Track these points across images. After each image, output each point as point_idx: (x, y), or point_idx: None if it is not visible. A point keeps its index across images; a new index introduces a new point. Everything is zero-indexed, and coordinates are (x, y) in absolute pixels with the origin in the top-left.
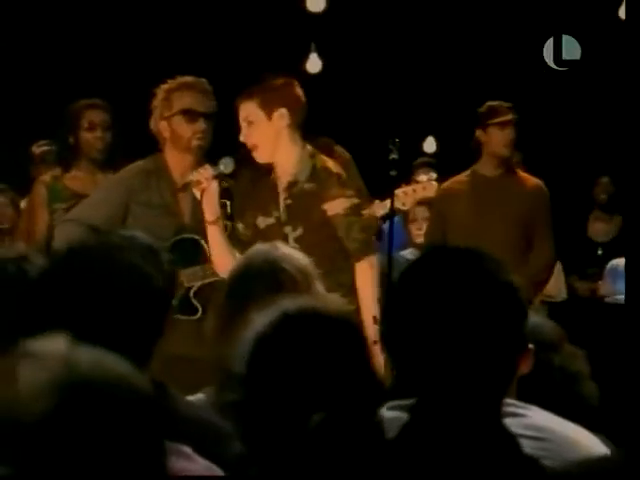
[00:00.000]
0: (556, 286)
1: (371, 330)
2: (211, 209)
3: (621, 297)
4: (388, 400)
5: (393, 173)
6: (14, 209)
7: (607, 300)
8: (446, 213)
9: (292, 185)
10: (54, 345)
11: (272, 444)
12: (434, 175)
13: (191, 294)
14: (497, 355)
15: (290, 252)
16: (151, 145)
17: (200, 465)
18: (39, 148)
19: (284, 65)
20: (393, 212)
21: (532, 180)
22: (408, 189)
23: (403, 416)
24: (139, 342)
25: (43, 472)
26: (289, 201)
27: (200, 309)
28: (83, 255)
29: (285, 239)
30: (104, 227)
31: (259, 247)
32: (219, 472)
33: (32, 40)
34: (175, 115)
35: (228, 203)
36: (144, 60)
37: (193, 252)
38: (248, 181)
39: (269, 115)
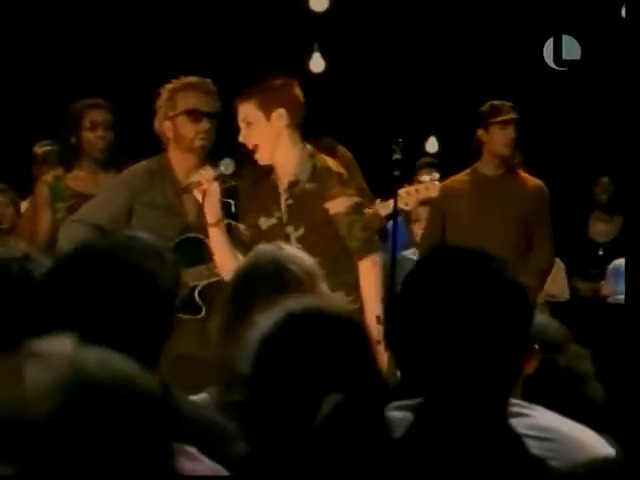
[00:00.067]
0: (559, 286)
1: (374, 330)
2: (212, 211)
3: (623, 297)
4: (393, 400)
5: (396, 173)
6: (14, 209)
7: (609, 300)
8: (446, 212)
9: (293, 185)
10: (61, 345)
11: (277, 444)
12: (437, 175)
13: (195, 293)
14: (503, 355)
15: (295, 252)
16: (153, 145)
17: (205, 465)
18: (41, 148)
19: (287, 65)
20: (396, 212)
21: (533, 180)
22: (411, 189)
23: (409, 416)
24: (147, 342)
25: (50, 472)
26: (290, 201)
27: (204, 308)
28: (89, 255)
29: (287, 239)
30: (108, 227)
31: (264, 247)
32: (224, 473)
33: (34, 40)
34: (179, 115)
35: (232, 203)
36: (146, 59)
37: (197, 251)
38: (249, 182)
39: (268, 116)
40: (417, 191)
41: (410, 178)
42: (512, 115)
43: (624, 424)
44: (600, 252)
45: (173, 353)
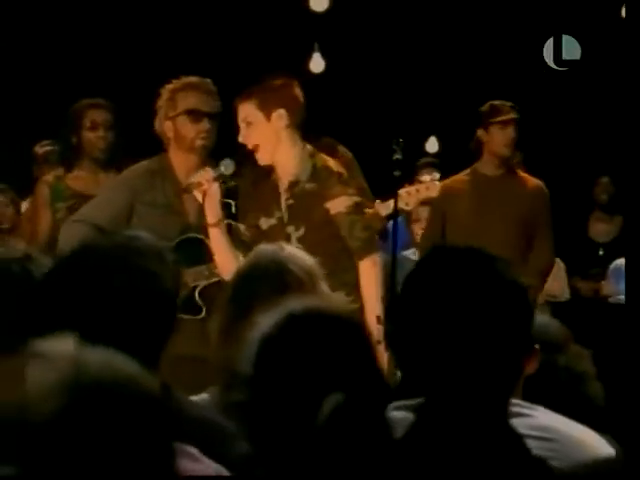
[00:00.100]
0: (559, 286)
1: (375, 330)
2: (212, 211)
3: (624, 297)
4: (393, 400)
5: (397, 173)
6: (14, 209)
7: (610, 300)
8: (446, 212)
9: (293, 185)
10: (63, 346)
11: (279, 444)
12: (437, 175)
13: (196, 293)
14: (504, 355)
15: (296, 253)
16: (154, 145)
17: (206, 466)
18: (42, 148)
19: (287, 65)
20: (396, 212)
21: (533, 181)
22: (411, 189)
23: (409, 416)
24: (148, 343)
25: (52, 473)
26: (291, 201)
27: (204, 309)
28: (90, 255)
29: (288, 239)
30: (109, 227)
31: (264, 248)
32: (225, 473)
33: (35, 40)
34: (180, 115)
35: (233, 203)
36: (147, 60)
37: (198, 251)
38: (249, 182)
39: (268, 116)
40: (417, 191)
41: (410, 178)
42: (512, 115)
43: (624, 424)
44: (600, 252)
45: (173, 353)
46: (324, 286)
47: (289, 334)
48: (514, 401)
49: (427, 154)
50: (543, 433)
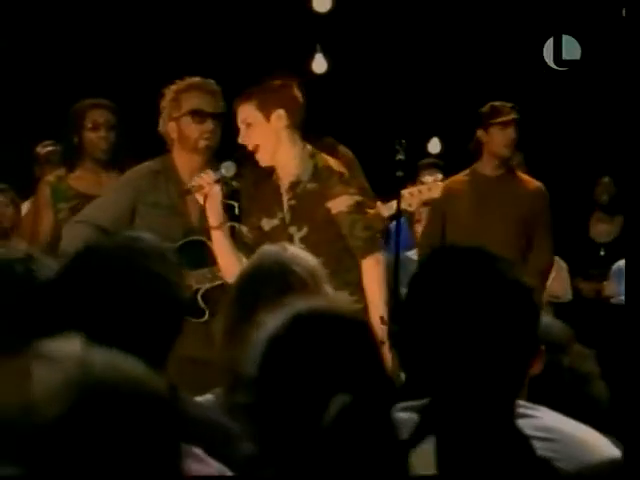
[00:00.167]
0: (562, 287)
1: (378, 330)
2: (214, 214)
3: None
4: (398, 401)
5: (400, 174)
6: (14, 209)
7: (613, 301)
8: (446, 212)
9: (295, 185)
10: (69, 346)
11: (285, 445)
12: (439, 176)
13: (199, 297)
14: (511, 356)
15: (299, 253)
16: (156, 145)
17: (212, 467)
18: (44, 148)
19: (290, 65)
20: (400, 213)
21: (532, 182)
22: (414, 190)
23: (414, 417)
24: (154, 343)
25: (57, 473)
26: (293, 202)
27: (207, 312)
28: (99, 257)
29: (290, 240)
30: (112, 228)
31: (268, 249)
32: (229, 473)
33: (37, 40)
34: (183, 116)
35: (236, 205)
36: (149, 60)
37: (200, 254)
38: (249, 183)
39: (267, 117)
40: (420, 192)
41: (413, 179)
42: (512, 116)
43: (628, 425)
44: (601, 252)
45: (176, 355)
46: (327, 287)
47: (295, 335)
48: (518, 402)
49: (429, 155)
50: (547, 434)
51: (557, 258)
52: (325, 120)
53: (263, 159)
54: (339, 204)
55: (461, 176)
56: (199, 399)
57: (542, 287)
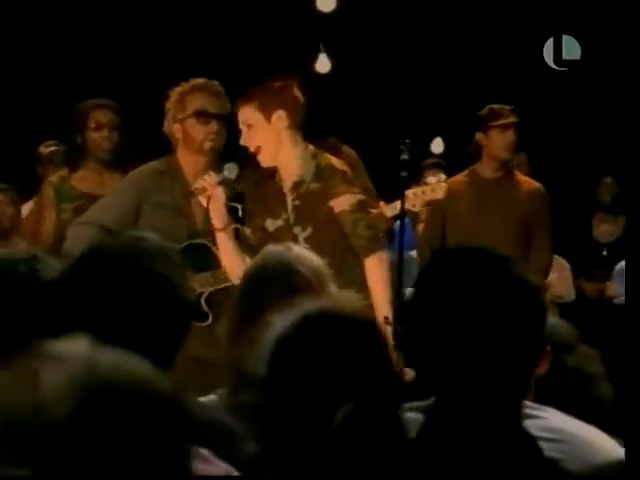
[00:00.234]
0: (565, 287)
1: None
2: (218, 216)
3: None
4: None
5: (404, 174)
6: (14, 208)
7: (615, 301)
8: (445, 212)
9: (298, 185)
10: (75, 347)
11: (292, 446)
12: (443, 176)
13: (202, 300)
14: (518, 356)
15: (304, 253)
16: (160, 145)
17: (219, 468)
18: (47, 148)
19: (293, 65)
20: (404, 213)
21: (531, 182)
22: (417, 190)
23: (419, 418)
24: (161, 344)
25: (65, 474)
26: (297, 202)
27: (210, 315)
28: (104, 257)
29: (295, 240)
30: (116, 228)
31: (272, 249)
32: (235, 474)
33: (40, 40)
34: (188, 117)
35: (240, 207)
36: (152, 60)
37: (203, 258)
38: (251, 184)
39: (268, 118)
40: (424, 192)
41: (417, 179)
42: (512, 119)
43: (633, 425)
44: (604, 252)
45: (180, 356)
46: (332, 287)
47: (304, 335)
48: (525, 402)
49: (432, 155)
50: (553, 434)
51: (560, 258)
52: (329, 120)
53: (265, 160)
54: (342, 203)
55: (460, 177)
56: (202, 399)
57: (544, 286)
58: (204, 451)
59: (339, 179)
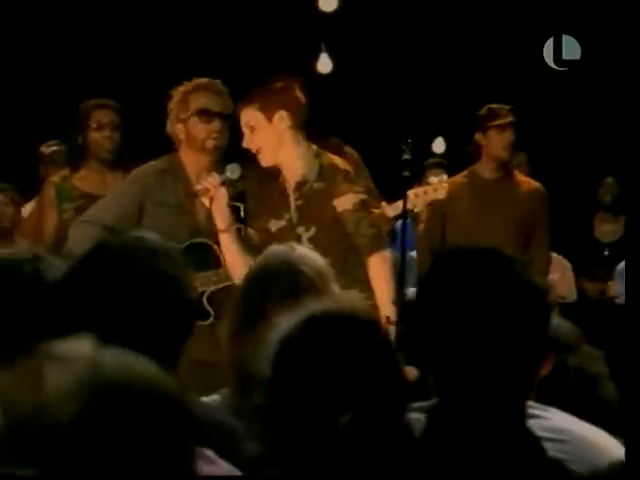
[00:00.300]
0: (567, 287)
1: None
2: (222, 217)
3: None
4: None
5: (406, 174)
6: (14, 208)
7: (617, 301)
8: (445, 212)
9: (301, 185)
10: (80, 347)
11: (298, 446)
12: (445, 177)
13: (204, 299)
14: (522, 356)
15: (307, 253)
16: (162, 145)
17: (223, 469)
18: (48, 148)
19: (294, 65)
20: (406, 213)
21: (531, 182)
22: (419, 191)
23: (422, 418)
24: (165, 345)
25: (70, 474)
26: (300, 202)
27: (212, 314)
28: (108, 256)
29: (298, 240)
30: (118, 227)
31: (275, 249)
32: (238, 474)
33: (41, 40)
34: (191, 116)
35: (241, 206)
36: (155, 60)
37: (205, 257)
38: (255, 185)
39: (269, 118)
40: (425, 193)
41: (418, 179)
42: (510, 119)
43: (633, 425)
44: (605, 252)
45: (183, 357)
46: (335, 287)
47: (309, 336)
48: (527, 403)
49: (434, 155)
50: (556, 435)
51: (562, 258)
52: (330, 120)
53: (264, 159)
54: (344, 202)
55: (460, 177)
56: (205, 399)
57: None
58: (209, 452)
59: (341, 178)
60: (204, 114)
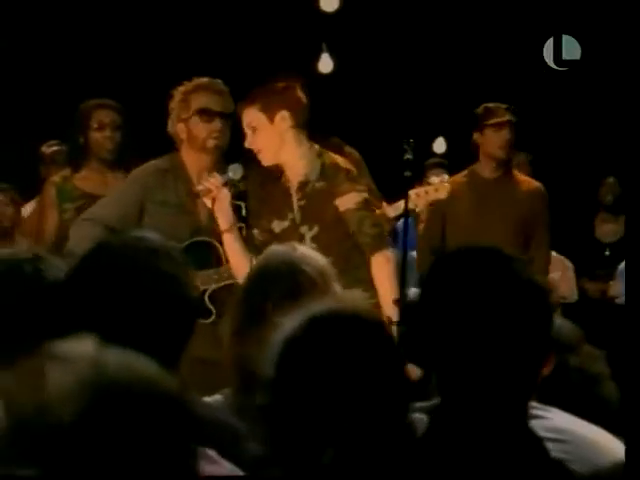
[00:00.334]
0: (569, 287)
1: None
2: (224, 217)
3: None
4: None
5: (408, 174)
6: (14, 208)
7: (618, 301)
8: (445, 212)
9: (304, 185)
10: (82, 347)
11: (301, 447)
12: (446, 177)
13: (205, 297)
14: (525, 356)
15: (308, 253)
16: (162, 145)
17: (225, 469)
18: (49, 148)
19: (296, 65)
20: (407, 213)
21: (531, 182)
22: (420, 190)
23: (424, 418)
24: (167, 344)
25: (72, 474)
26: (302, 202)
27: (214, 312)
28: (109, 256)
29: (302, 240)
30: (119, 226)
31: (276, 248)
32: (240, 474)
33: (41, 40)
34: (192, 116)
35: (243, 205)
36: (155, 59)
37: (207, 255)
38: (257, 185)
39: (271, 118)
40: (427, 193)
41: (420, 179)
42: (506, 117)
43: (633, 425)
44: (607, 252)
45: (185, 356)
46: (337, 286)
47: (312, 336)
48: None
49: (435, 154)
50: (558, 435)
51: (563, 258)
52: (331, 120)
53: (265, 159)
54: (347, 201)
55: (459, 177)
56: (207, 399)
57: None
58: (211, 452)
59: (343, 177)
60: (205, 114)
